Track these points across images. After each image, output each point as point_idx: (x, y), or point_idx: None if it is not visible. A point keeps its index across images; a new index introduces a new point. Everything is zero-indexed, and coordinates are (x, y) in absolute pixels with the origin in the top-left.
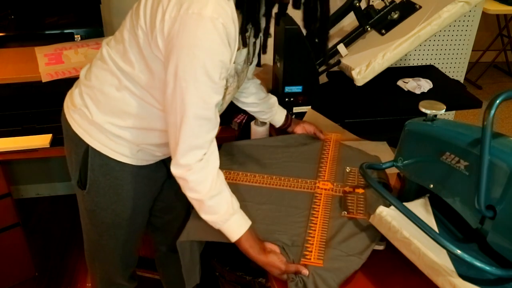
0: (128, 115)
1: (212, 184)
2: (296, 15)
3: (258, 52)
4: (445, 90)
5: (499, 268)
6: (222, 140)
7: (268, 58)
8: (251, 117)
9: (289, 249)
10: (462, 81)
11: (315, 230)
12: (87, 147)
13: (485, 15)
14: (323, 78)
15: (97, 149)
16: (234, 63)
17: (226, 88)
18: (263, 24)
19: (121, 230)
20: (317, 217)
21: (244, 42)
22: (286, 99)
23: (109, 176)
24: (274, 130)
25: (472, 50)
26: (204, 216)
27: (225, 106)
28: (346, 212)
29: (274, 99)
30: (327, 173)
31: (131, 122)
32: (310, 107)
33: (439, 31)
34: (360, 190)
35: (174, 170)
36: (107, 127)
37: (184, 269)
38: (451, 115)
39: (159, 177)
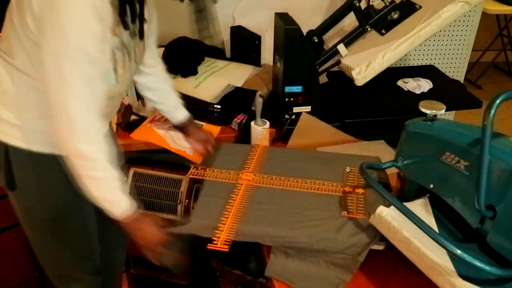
0: (34, 106)
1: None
2: (297, 15)
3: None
4: (445, 90)
5: (499, 268)
6: (222, 140)
7: (268, 58)
8: (251, 117)
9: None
10: (462, 81)
11: (227, 218)
12: (6, 146)
13: (485, 15)
14: (323, 78)
15: (17, 145)
16: (116, 36)
17: (116, 62)
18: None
19: (64, 223)
20: (233, 206)
21: (124, 24)
22: (286, 99)
23: (36, 170)
24: (276, 133)
25: (472, 50)
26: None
27: (124, 86)
28: (346, 212)
29: (177, 102)
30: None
31: (38, 112)
32: (310, 107)
33: (439, 31)
34: (360, 190)
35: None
36: (18, 123)
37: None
38: (451, 115)
39: None
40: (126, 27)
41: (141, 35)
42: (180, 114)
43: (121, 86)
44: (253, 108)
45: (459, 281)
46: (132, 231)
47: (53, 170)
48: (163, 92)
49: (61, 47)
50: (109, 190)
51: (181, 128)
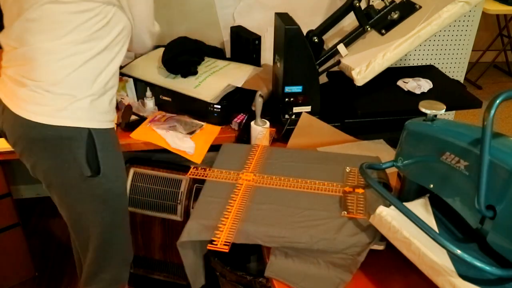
0: (95, 79)
1: None
2: (296, 14)
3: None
4: (445, 90)
5: (499, 268)
6: (222, 140)
7: (268, 58)
8: (251, 117)
9: None
10: (462, 81)
11: (227, 218)
12: (88, 130)
13: (485, 15)
14: (323, 78)
15: (96, 127)
16: None
17: None
18: None
19: (125, 197)
20: (233, 206)
21: None
22: (286, 99)
23: (111, 147)
24: (276, 133)
25: (472, 50)
26: None
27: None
28: (346, 212)
29: None
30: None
31: (100, 81)
32: (310, 107)
33: (439, 31)
34: (360, 190)
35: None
36: (89, 102)
37: (188, 271)
38: (451, 115)
39: None
40: None
41: None
42: None
43: None
44: (253, 108)
45: (459, 281)
46: None
47: (117, 145)
48: None
49: None
50: None
51: None
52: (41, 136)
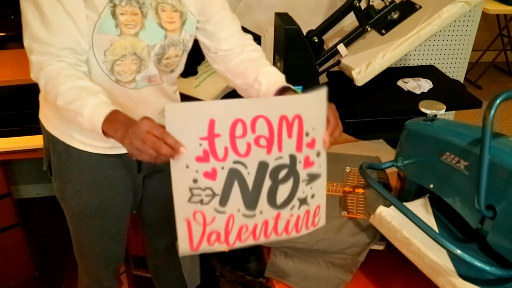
0: None
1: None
2: (296, 14)
3: None
4: (445, 90)
5: (499, 268)
6: None
7: (268, 58)
8: None
9: None
10: (462, 81)
11: None
12: (48, 134)
13: (485, 15)
14: (323, 78)
15: (55, 135)
16: None
17: (115, 5)
18: None
19: (91, 221)
20: None
21: None
22: None
23: (69, 163)
24: None
25: (472, 50)
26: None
27: (139, 43)
28: (346, 212)
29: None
30: None
31: None
32: None
33: (439, 31)
34: (360, 190)
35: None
36: (52, 113)
37: (184, 270)
38: (451, 115)
39: (130, 170)
40: None
41: None
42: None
43: (132, 41)
44: None
45: (459, 281)
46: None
47: (84, 169)
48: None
49: None
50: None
51: None
52: None
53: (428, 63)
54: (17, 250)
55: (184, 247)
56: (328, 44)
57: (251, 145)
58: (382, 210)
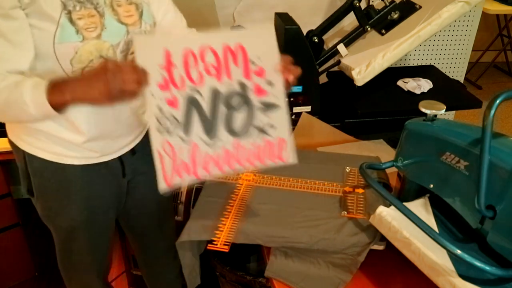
0: None
1: None
2: (297, 15)
3: None
4: (445, 90)
5: (499, 268)
6: None
7: None
8: None
9: None
10: (462, 81)
11: (227, 218)
12: (23, 153)
13: (485, 15)
14: (323, 78)
15: (32, 153)
16: None
17: (70, 12)
18: None
19: (81, 233)
20: (233, 206)
21: None
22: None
23: (53, 179)
24: None
25: (472, 50)
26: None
27: (104, 45)
28: (346, 212)
29: None
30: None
31: None
32: (310, 107)
33: (439, 31)
34: (360, 190)
35: None
36: (31, 125)
37: (185, 271)
38: (451, 115)
39: (116, 175)
40: None
41: None
42: None
43: (96, 44)
44: None
45: (459, 281)
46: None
47: (71, 183)
48: None
49: None
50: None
51: None
52: None
53: (428, 63)
54: (17, 250)
55: (161, 183)
56: (328, 44)
57: (203, 74)
58: (382, 210)
